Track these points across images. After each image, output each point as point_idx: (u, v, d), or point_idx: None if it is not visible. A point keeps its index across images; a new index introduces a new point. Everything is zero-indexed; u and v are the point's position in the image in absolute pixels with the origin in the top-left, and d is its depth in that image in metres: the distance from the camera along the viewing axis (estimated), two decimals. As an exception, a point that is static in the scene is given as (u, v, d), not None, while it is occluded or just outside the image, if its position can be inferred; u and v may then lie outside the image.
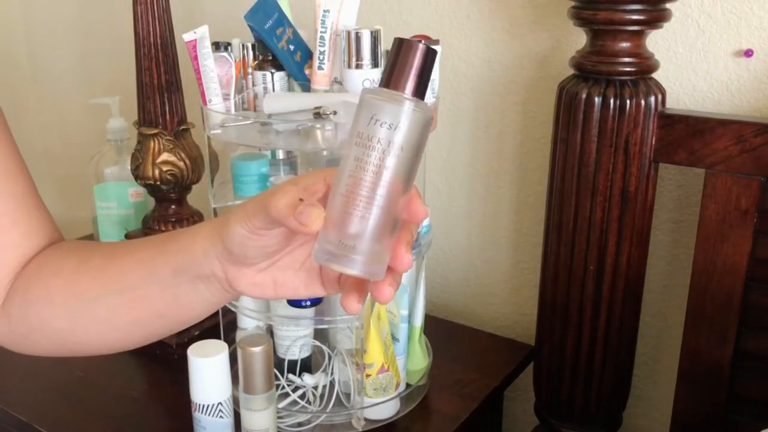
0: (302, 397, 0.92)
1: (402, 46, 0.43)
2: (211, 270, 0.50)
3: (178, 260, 0.52)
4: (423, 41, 0.84)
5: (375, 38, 0.82)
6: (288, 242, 0.49)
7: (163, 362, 1.05)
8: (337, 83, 0.88)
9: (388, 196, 0.43)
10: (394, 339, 0.91)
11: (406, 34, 0.88)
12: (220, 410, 0.82)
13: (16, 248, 0.61)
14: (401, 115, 0.42)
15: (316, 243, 0.44)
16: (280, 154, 0.95)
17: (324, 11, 0.85)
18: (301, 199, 0.43)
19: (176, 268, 0.52)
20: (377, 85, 0.46)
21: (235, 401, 0.85)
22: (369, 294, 0.47)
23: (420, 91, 0.43)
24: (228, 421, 0.83)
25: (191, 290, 0.53)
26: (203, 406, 0.81)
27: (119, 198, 1.24)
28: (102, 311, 0.56)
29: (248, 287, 0.50)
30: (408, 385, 0.95)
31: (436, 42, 0.88)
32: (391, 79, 0.43)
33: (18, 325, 0.60)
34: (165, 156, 1.05)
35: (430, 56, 0.43)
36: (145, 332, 0.58)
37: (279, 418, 0.88)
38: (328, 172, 0.46)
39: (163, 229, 1.10)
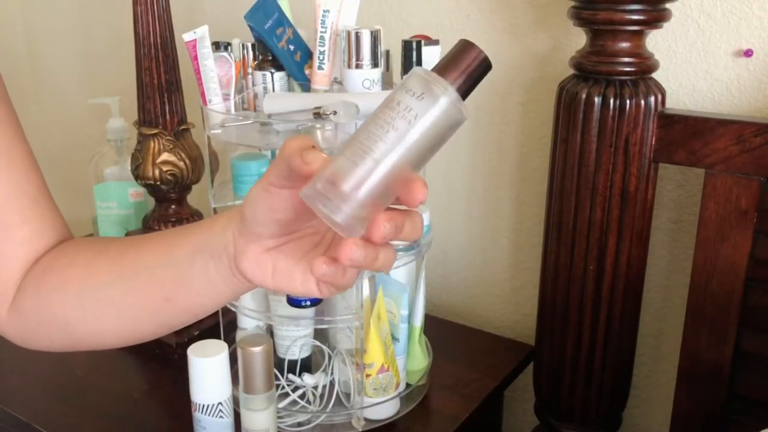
0: (302, 397, 0.92)
1: (465, 47, 0.45)
2: (224, 245, 0.51)
3: (198, 240, 0.54)
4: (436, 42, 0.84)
5: (375, 38, 0.82)
6: (299, 218, 0.49)
7: (163, 362, 1.05)
8: (337, 83, 0.88)
9: (396, 164, 0.43)
10: (394, 339, 0.91)
11: (406, 34, 0.88)
12: (220, 410, 0.82)
13: (27, 245, 0.62)
14: (440, 99, 0.43)
15: (309, 182, 0.44)
16: (280, 154, 0.95)
17: (324, 11, 0.85)
18: (313, 147, 0.45)
19: (194, 248, 0.54)
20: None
21: (235, 401, 0.85)
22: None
23: (464, 91, 0.45)
24: (228, 421, 0.83)
25: (202, 273, 0.54)
26: (203, 406, 0.81)
27: (119, 198, 1.24)
28: (115, 296, 0.57)
29: (251, 265, 0.51)
30: (408, 385, 0.95)
31: (436, 42, 0.88)
32: (445, 70, 0.45)
33: (29, 319, 0.61)
34: (165, 156, 1.05)
35: (485, 66, 0.45)
36: (152, 322, 0.58)
37: (279, 418, 0.88)
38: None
39: (163, 229, 1.10)
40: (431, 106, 0.43)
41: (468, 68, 0.45)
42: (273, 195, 0.47)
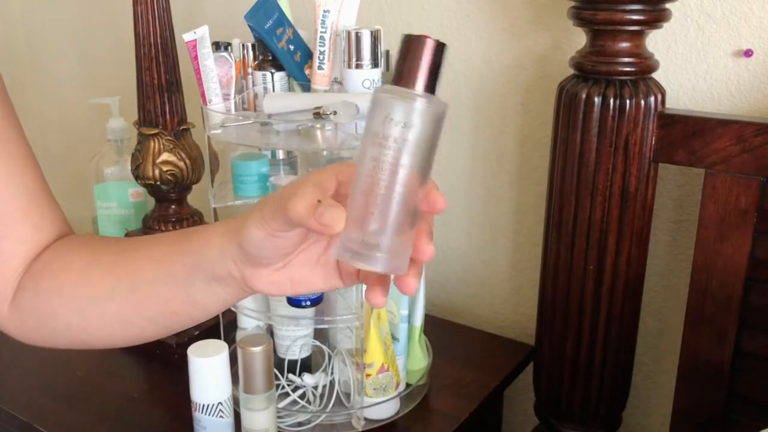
0: (302, 396, 0.92)
1: (411, 43, 0.43)
2: (227, 271, 0.51)
3: (193, 260, 0.53)
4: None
5: (375, 38, 0.82)
6: (303, 241, 0.49)
7: (163, 362, 1.05)
8: (337, 83, 0.88)
9: (406, 192, 0.43)
10: (394, 339, 0.91)
11: (406, 34, 0.88)
12: (220, 410, 0.82)
13: (27, 242, 0.61)
14: (414, 112, 0.43)
15: (338, 241, 0.44)
16: (280, 154, 0.95)
17: (324, 11, 0.85)
18: (319, 201, 0.43)
19: (191, 268, 0.53)
20: (386, 83, 0.45)
21: (235, 401, 0.85)
22: (363, 293, 0.47)
23: (431, 86, 0.43)
24: (228, 420, 0.83)
25: (205, 289, 0.53)
26: (203, 405, 0.81)
27: (119, 198, 1.24)
28: (113, 307, 0.57)
29: (266, 286, 0.51)
30: (408, 385, 0.95)
31: (436, 42, 0.88)
32: (401, 77, 0.43)
33: (30, 318, 0.61)
34: (165, 156, 1.05)
35: (439, 50, 0.43)
36: (158, 327, 0.58)
37: (279, 417, 0.88)
38: (339, 168, 0.46)
39: (163, 229, 1.10)
40: (414, 125, 0.42)
41: (425, 62, 0.43)
42: (280, 238, 0.47)
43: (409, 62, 0.43)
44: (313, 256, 0.51)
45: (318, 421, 0.89)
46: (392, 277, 0.46)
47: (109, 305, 0.57)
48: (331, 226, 0.42)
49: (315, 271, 0.51)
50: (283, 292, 0.51)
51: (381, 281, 0.47)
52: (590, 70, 0.85)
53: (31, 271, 0.61)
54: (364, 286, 0.85)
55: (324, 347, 0.94)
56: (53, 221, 0.63)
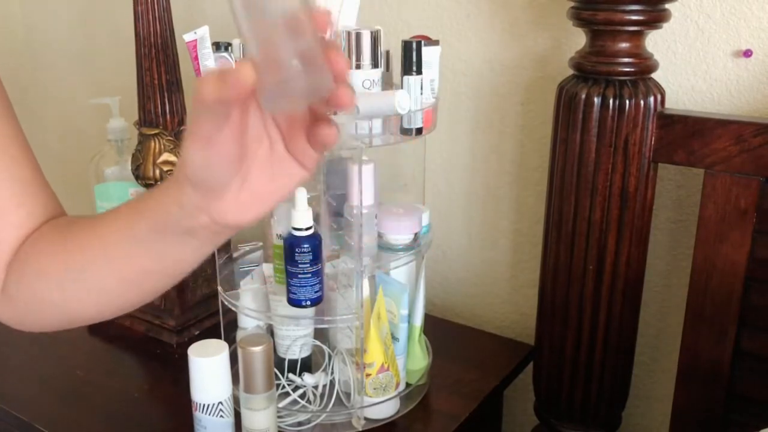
0: (302, 396, 0.92)
1: None
2: (196, 222, 0.50)
3: (155, 219, 0.52)
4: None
5: (375, 38, 0.82)
6: (243, 142, 0.47)
7: (163, 361, 1.05)
8: (337, 83, 0.88)
9: (288, 14, 0.42)
10: (394, 338, 0.91)
11: (406, 34, 0.89)
12: (221, 409, 0.82)
13: (19, 228, 0.61)
14: None
15: (260, 97, 0.43)
16: (281, 154, 0.95)
17: (324, 11, 0.85)
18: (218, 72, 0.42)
19: (154, 227, 0.52)
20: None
21: (236, 400, 0.85)
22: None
23: None
24: (228, 420, 0.83)
25: (179, 244, 0.53)
26: (204, 405, 0.81)
27: (120, 198, 1.24)
28: (90, 279, 0.57)
29: (236, 214, 0.49)
30: (408, 385, 0.95)
31: (436, 42, 0.88)
32: None
33: (18, 303, 0.61)
34: (166, 156, 1.05)
35: None
36: (138, 290, 0.58)
37: (279, 417, 0.88)
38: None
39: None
40: None
41: None
42: (218, 143, 0.45)
43: None
44: (265, 159, 0.49)
45: (318, 421, 0.90)
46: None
47: (85, 276, 0.57)
48: (244, 78, 0.41)
49: (274, 172, 0.49)
50: (256, 212, 0.49)
51: (323, 120, 0.46)
52: (590, 71, 0.85)
53: (16, 256, 0.61)
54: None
55: (324, 347, 0.94)
56: (46, 207, 0.63)
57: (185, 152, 0.46)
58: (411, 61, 0.82)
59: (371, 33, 0.82)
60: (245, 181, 0.48)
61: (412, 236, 0.90)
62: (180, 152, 0.48)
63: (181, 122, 1.07)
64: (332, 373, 0.93)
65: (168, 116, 1.04)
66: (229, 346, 0.84)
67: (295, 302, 0.84)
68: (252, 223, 0.50)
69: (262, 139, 0.48)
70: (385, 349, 0.88)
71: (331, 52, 0.43)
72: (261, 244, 1.03)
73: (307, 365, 0.96)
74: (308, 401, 0.91)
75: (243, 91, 0.42)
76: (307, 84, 0.42)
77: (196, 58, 0.85)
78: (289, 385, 0.92)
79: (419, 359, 0.96)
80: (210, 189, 0.48)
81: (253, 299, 0.93)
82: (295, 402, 0.91)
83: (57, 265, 0.58)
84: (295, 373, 0.94)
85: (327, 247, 0.88)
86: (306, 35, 0.42)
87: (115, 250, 0.56)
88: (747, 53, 0.89)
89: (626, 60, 0.84)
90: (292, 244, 0.81)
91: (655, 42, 0.93)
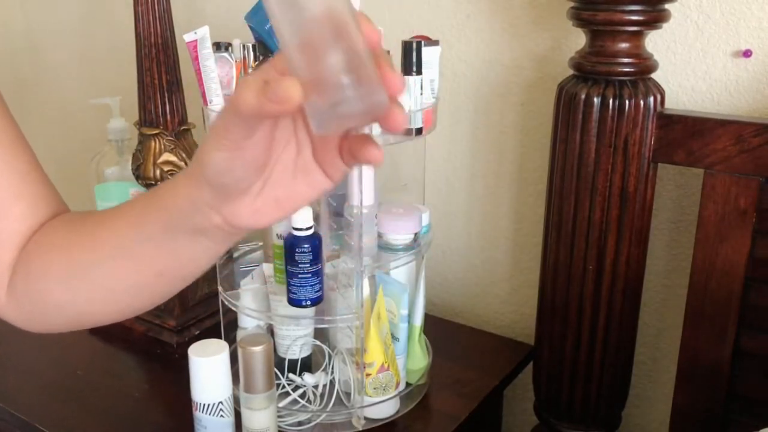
0: (302, 396, 0.92)
1: None
2: (208, 221, 0.47)
3: (167, 217, 0.50)
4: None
5: (375, 39, 0.82)
6: (271, 148, 0.44)
7: (163, 361, 1.05)
8: (338, 83, 0.88)
9: (340, 30, 0.38)
10: (394, 338, 0.91)
11: (406, 35, 0.89)
12: (221, 409, 0.82)
13: (21, 222, 0.60)
14: None
15: (311, 119, 0.40)
16: (281, 154, 0.95)
17: (324, 12, 0.85)
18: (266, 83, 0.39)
19: (166, 225, 0.50)
20: None
21: (236, 400, 0.85)
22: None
23: None
24: (228, 420, 0.83)
25: (190, 243, 0.50)
26: (204, 405, 0.82)
27: (120, 198, 1.24)
28: (99, 278, 0.56)
29: (252, 218, 0.47)
30: (408, 385, 0.95)
31: (436, 42, 0.88)
32: None
33: (24, 303, 0.60)
34: (166, 156, 1.05)
35: None
36: (148, 294, 0.56)
37: (279, 417, 0.88)
38: (272, 60, 0.41)
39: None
40: None
41: None
42: (244, 148, 0.42)
43: None
44: (289, 164, 0.46)
45: (318, 421, 0.90)
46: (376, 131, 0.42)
47: (94, 276, 0.55)
48: (289, 97, 0.37)
49: (296, 179, 0.46)
50: (271, 219, 0.47)
51: (367, 139, 0.43)
52: (590, 71, 0.86)
53: (22, 255, 0.60)
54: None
55: (324, 347, 0.94)
56: (47, 201, 0.62)
57: (207, 154, 0.43)
58: (411, 61, 0.82)
59: (371, 33, 0.82)
60: (266, 185, 0.46)
61: (412, 236, 0.90)
62: (199, 151, 0.45)
63: (182, 122, 1.07)
64: (332, 372, 0.93)
65: (168, 116, 1.05)
66: (229, 346, 0.84)
67: (295, 302, 0.84)
68: (267, 227, 0.48)
69: (290, 143, 0.45)
70: (385, 349, 0.88)
71: (386, 69, 0.39)
72: (261, 244, 1.03)
73: (307, 365, 0.96)
74: (308, 401, 0.92)
75: (287, 110, 0.38)
76: (362, 107, 0.39)
77: (197, 58, 0.85)
78: (289, 384, 0.92)
79: (419, 359, 0.96)
80: (228, 193, 0.45)
81: (253, 299, 0.93)
82: (295, 402, 0.91)
83: (63, 263, 0.57)
84: (295, 373, 0.94)
85: (327, 247, 0.88)
86: (357, 46, 0.39)
87: (124, 249, 0.53)
88: (746, 53, 0.89)
89: (626, 60, 0.84)
90: (292, 244, 0.82)
91: (654, 42, 0.93)
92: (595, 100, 0.85)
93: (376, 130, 0.84)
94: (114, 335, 1.11)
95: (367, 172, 0.84)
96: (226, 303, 0.93)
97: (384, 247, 0.90)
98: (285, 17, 0.38)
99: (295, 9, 0.38)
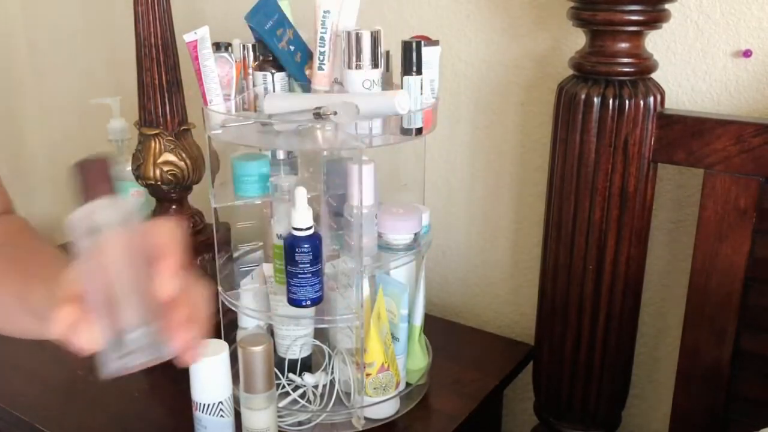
0: (302, 396, 0.92)
1: (82, 168, 0.44)
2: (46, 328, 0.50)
3: (18, 294, 0.55)
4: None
5: (375, 39, 0.82)
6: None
7: (163, 361, 1.05)
8: (338, 84, 0.88)
9: (125, 287, 0.44)
10: (394, 338, 0.91)
11: (406, 35, 0.89)
12: (221, 409, 0.82)
13: None
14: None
15: (98, 362, 0.47)
16: (280, 154, 0.95)
17: (324, 12, 0.85)
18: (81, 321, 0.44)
19: (15, 297, 0.55)
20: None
21: (236, 400, 0.85)
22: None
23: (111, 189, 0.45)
24: (228, 420, 0.83)
25: (30, 322, 0.56)
26: (204, 405, 0.82)
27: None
28: None
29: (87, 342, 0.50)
30: (408, 385, 0.95)
31: (436, 42, 0.88)
32: (91, 195, 0.45)
33: None
34: (166, 156, 1.05)
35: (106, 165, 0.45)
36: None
37: (279, 417, 0.88)
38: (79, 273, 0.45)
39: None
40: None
41: (102, 179, 0.45)
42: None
43: (92, 184, 0.45)
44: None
45: (318, 421, 0.90)
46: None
47: None
48: (90, 346, 0.44)
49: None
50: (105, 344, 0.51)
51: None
52: (589, 71, 0.86)
53: None
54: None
55: (324, 347, 0.94)
56: None
57: (48, 326, 0.46)
58: (411, 61, 0.82)
59: (371, 33, 0.82)
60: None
61: (412, 236, 0.90)
62: (64, 284, 0.47)
63: (182, 122, 1.07)
64: (332, 372, 0.93)
65: (168, 116, 1.05)
66: (229, 346, 0.84)
67: (295, 302, 0.84)
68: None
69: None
70: (385, 349, 0.88)
71: (174, 327, 0.45)
72: (261, 244, 1.03)
73: (307, 365, 0.96)
74: (308, 401, 0.92)
75: (84, 354, 0.45)
76: (144, 359, 0.47)
77: (197, 58, 0.85)
78: (289, 384, 0.92)
79: (419, 359, 0.96)
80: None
81: (253, 299, 0.93)
82: (295, 402, 0.91)
83: None
84: (295, 373, 0.94)
85: (327, 247, 0.88)
86: (146, 299, 0.44)
87: None
88: (746, 53, 0.89)
89: (626, 60, 0.84)
90: (292, 244, 0.82)
91: (654, 42, 0.93)
92: (595, 100, 0.85)
93: (376, 129, 0.84)
94: (114, 335, 1.11)
95: (367, 172, 0.84)
96: (226, 303, 0.93)
97: (384, 247, 0.90)
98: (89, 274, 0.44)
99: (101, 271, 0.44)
